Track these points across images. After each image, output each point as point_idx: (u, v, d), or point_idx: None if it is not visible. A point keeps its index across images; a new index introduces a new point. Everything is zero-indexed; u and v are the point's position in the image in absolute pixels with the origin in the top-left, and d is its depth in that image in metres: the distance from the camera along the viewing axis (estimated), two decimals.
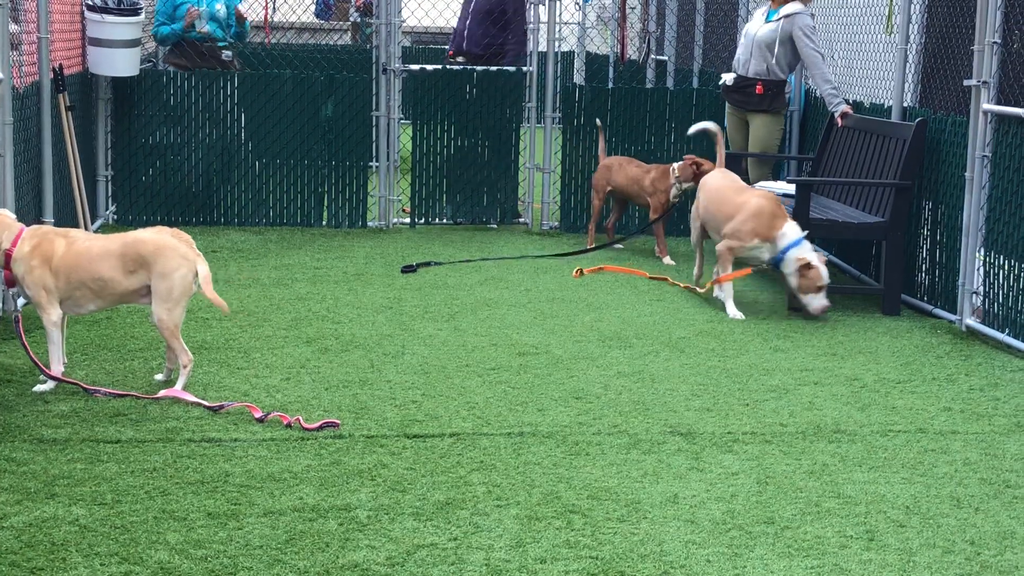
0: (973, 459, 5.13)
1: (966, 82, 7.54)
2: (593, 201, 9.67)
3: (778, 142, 9.49)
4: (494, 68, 10.57)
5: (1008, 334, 7.05)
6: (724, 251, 7.72)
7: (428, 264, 8.78)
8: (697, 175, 8.87)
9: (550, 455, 5.02)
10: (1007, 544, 4.26)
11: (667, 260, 9.16)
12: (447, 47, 11.78)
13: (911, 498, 4.67)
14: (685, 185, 9.05)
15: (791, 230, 7.53)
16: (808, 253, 7.46)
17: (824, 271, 7.45)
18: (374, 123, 10.33)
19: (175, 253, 5.62)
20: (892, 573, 4.01)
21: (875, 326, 7.43)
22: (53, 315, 5.60)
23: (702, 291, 8.00)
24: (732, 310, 7.59)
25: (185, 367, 5.68)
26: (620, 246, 9.62)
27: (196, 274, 5.65)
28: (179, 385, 5.64)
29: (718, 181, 8.11)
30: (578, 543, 4.16)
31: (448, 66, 10.76)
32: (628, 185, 9.39)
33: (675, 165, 9.17)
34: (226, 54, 10.53)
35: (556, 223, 10.54)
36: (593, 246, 9.48)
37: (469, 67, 10.66)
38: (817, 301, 7.42)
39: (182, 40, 10.32)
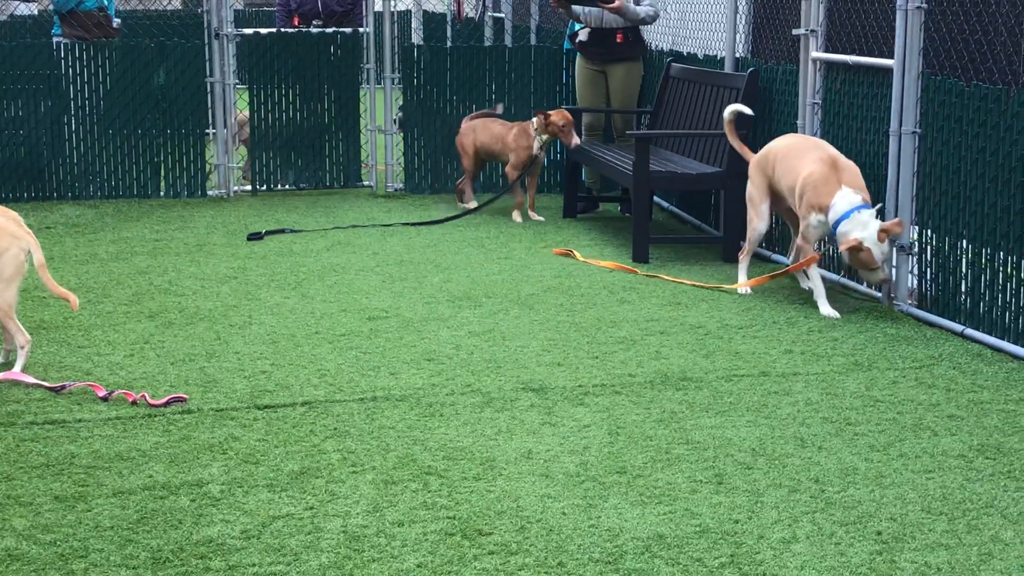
0: (815, 399, 5.28)
1: (795, 31, 7.71)
2: (464, 163, 9.63)
3: (638, 90, 9.53)
4: (330, 30, 10.44)
5: (843, 275, 7.27)
6: (800, 240, 6.83)
7: (282, 231, 8.66)
8: (549, 124, 9.00)
9: (404, 418, 5.02)
10: (850, 480, 4.41)
11: (535, 216, 9.21)
12: (276, 12, 11.60)
13: (757, 440, 4.79)
14: (544, 137, 9.09)
15: (842, 200, 6.48)
16: (858, 231, 6.41)
17: (877, 251, 6.41)
18: (209, 89, 10.13)
19: (4, 233, 5.44)
20: (741, 514, 4.11)
21: (716, 273, 7.59)
22: None
23: (748, 285, 7.13)
24: (825, 307, 6.63)
25: (23, 348, 5.51)
26: (474, 204, 9.56)
27: (28, 252, 5.48)
28: (17, 367, 5.48)
29: (782, 147, 6.99)
30: (435, 504, 4.18)
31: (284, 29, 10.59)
32: (492, 143, 9.39)
33: (533, 120, 9.19)
34: (116, 22, 10.29)
35: (400, 185, 10.50)
36: (474, 206, 9.46)
37: (305, 29, 10.51)
38: (874, 276, 6.55)
39: (75, 11, 10.09)
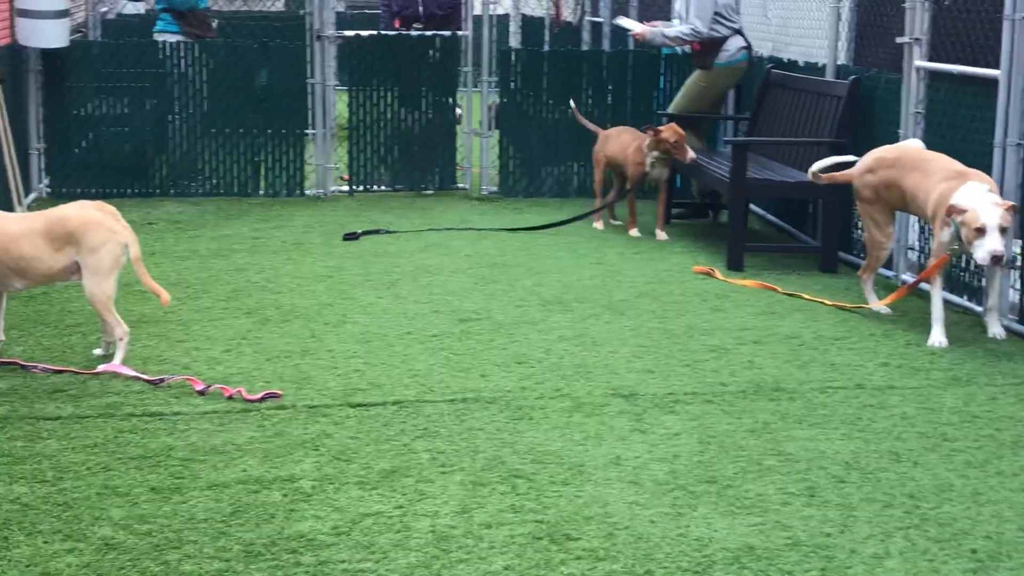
0: (911, 413, 5.20)
1: (898, 39, 7.60)
2: (595, 175, 9.35)
3: (704, 101, 9.41)
4: (430, 33, 10.51)
5: (943, 288, 7.14)
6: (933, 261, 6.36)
7: (378, 232, 8.73)
8: (659, 141, 8.60)
9: (493, 420, 5.03)
10: (945, 497, 4.34)
11: (633, 232, 8.85)
12: (380, 13, 11.69)
13: (851, 454, 4.73)
14: (654, 153, 8.67)
15: (968, 191, 6.10)
16: (961, 196, 6.04)
17: (983, 212, 5.91)
18: (309, 91, 10.25)
19: (102, 227, 5.57)
20: (833, 528, 4.06)
21: (813, 284, 7.50)
22: None
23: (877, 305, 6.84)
24: (937, 335, 6.24)
25: (121, 340, 5.63)
26: (619, 222, 9.21)
27: (125, 246, 5.60)
28: (117, 359, 5.59)
29: (909, 160, 6.66)
30: (523, 507, 4.18)
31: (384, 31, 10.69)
32: (617, 154, 9.01)
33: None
34: (215, 21, 10.52)
35: (495, 188, 10.53)
36: (580, 215, 9.14)
37: (405, 32, 10.60)
38: (981, 250, 5.93)
39: (195, 9, 10.34)
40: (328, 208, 9.80)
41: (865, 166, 6.89)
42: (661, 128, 8.69)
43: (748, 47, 9.22)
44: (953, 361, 5.96)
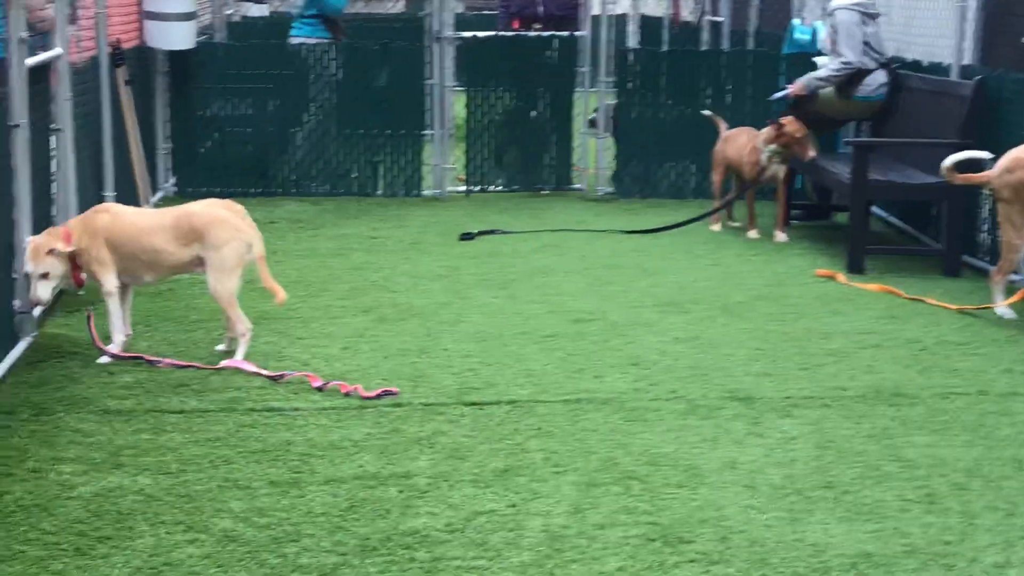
0: None
1: None
2: (713, 176, 9.26)
3: (830, 116, 9.15)
4: (547, 33, 10.53)
5: None
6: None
7: (493, 232, 8.77)
8: (781, 135, 8.45)
9: (607, 421, 5.03)
10: None
11: (752, 234, 8.74)
12: (498, 14, 11.75)
13: (972, 461, 4.63)
14: (770, 148, 8.53)
15: None
16: None
17: None
18: (427, 91, 10.34)
19: (227, 225, 5.70)
20: (953, 536, 3.99)
21: (936, 287, 7.36)
22: (108, 285, 5.72)
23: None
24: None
25: (243, 336, 5.75)
26: (737, 223, 9.11)
27: (249, 245, 5.72)
28: (238, 355, 5.71)
29: None
30: (636, 509, 4.18)
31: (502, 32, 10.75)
32: (734, 156, 8.89)
33: (763, 132, 8.71)
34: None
35: (611, 189, 10.51)
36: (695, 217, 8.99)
37: (523, 33, 10.63)
38: None
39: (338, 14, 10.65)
40: (444, 208, 9.88)
41: (1004, 166, 6.74)
42: (784, 121, 8.54)
43: (888, 84, 8.94)
44: None
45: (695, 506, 4.20)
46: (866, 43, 8.79)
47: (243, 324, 5.76)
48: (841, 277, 7.50)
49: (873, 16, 8.84)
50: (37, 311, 5.84)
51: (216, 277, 5.70)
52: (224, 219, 5.73)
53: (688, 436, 4.87)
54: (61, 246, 5.60)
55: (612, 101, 10.50)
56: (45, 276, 5.59)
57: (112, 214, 5.82)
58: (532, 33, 10.62)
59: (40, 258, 5.58)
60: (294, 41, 10.50)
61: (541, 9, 11.16)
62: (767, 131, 8.63)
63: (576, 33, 10.53)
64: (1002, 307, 6.68)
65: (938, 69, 8.82)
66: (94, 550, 3.83)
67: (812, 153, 8.42)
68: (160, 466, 4.50)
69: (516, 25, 11.23)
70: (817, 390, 5.44)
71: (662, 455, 4.67)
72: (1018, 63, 7.99)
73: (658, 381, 5.54)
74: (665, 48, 13.29)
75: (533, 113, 10.35)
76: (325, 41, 10.38)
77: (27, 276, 5.63)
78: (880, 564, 3.78)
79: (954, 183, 7.06)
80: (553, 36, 10.47)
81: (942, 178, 7.75)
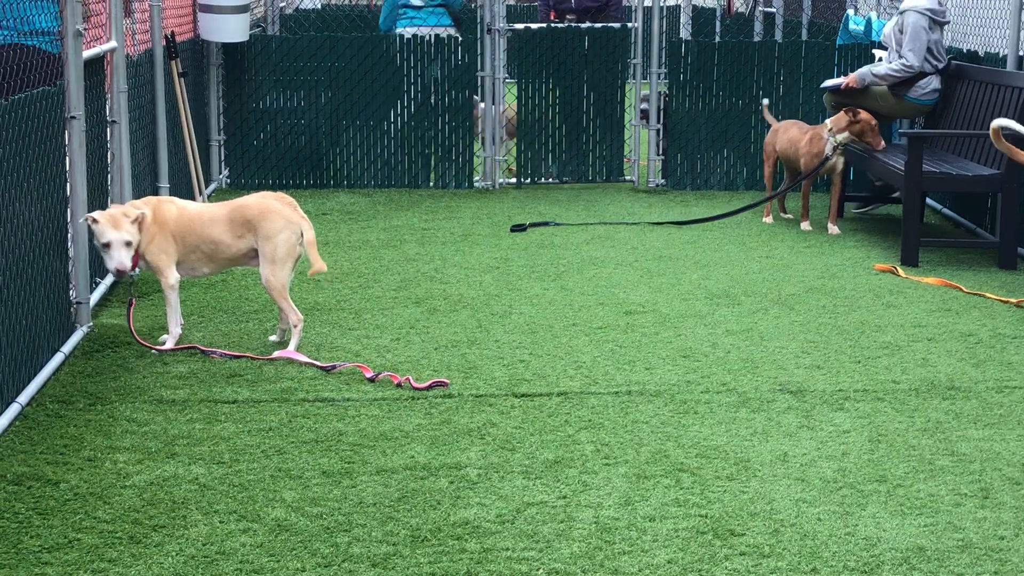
0: None
1: None
2: (764, 167, 9.28)
3: (879, 111, 9.03)
4: (599, 25, 10.51)
5: None
6: None
7: (546, 224, 8.77)
8: (855, 123, 8.39)
9: (658, 413, 5.02)
10: None
11: (805, 226, 8.69)
12: (538, 6, 11.73)
13: None
14: (840, 137, 8.47)
15: None
16: None
17: None
18: (479, 83, 10.36)
19: (279, 216, 5.76)
20: (1008, 531, 3.95)
21: (991, 280, 7.28)
22: (171, 278, 5.77)
23: None
24: None
25: (295, 327, 5.79)
26: (789, 215, 9.10)
27: (301, 236, 5.77)
28: (291, 345, 5.75)
29: None
30: (687, 501, 4.17)
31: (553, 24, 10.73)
32: (788, 148, 8.85)
33: (827, 120, 8.68)
34: None
35: (662, 180, 10.48)
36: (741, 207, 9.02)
37: (574, 24, 10.62)
38: None
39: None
40: (495, 200, 9.89)
41: None
42: (859, 111, 8.47)
43: (940, 90, 8.84)
44: None
45: (746, 499, 4.19)
46: (929, 49, 8.71)
47: (295, 315, 5.81)
48: (900, 271, 7.44)
49: (942, 24, 8.76)
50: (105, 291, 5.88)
51: (268, 268, 5.75)
52: (276, 210, 5.78)
53: (739, 429, 4.86)
54: (147, 213, 5.65)
55: (661, 90, 10.46)
56: (128, 244, 5.58)
57: (177, 206, 5.87)
58: (583, 25, 10.59)
59: (124, 225, 5.56)
60: (406, 32, 10.50)
61: (574, 2, 11.13)
62: (838, 119, 8.53)
63: (628, 24, 10.51)
64: None
65: (994, 60, 8.72)
66: (148, 538, 3.87)
67: (883, 143, 8.36)
68: (214, 455, 4.54)
69: (553, 16, 11.22)
70: (870, 383, 5.40)
71: (713, 448, 4.66)
72: None
73: (709, 373, 5.53)
74: (717, 39, 13.22)
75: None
76: (444, 31, 10.38)
77: (107, 246, 5.55)
78: (933, 559, 3.75)
79: (998, 146, 6.91)
80: (605, 27, 10.44)
81: (997, 170, 7.66)
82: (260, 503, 4.13)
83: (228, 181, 10.17)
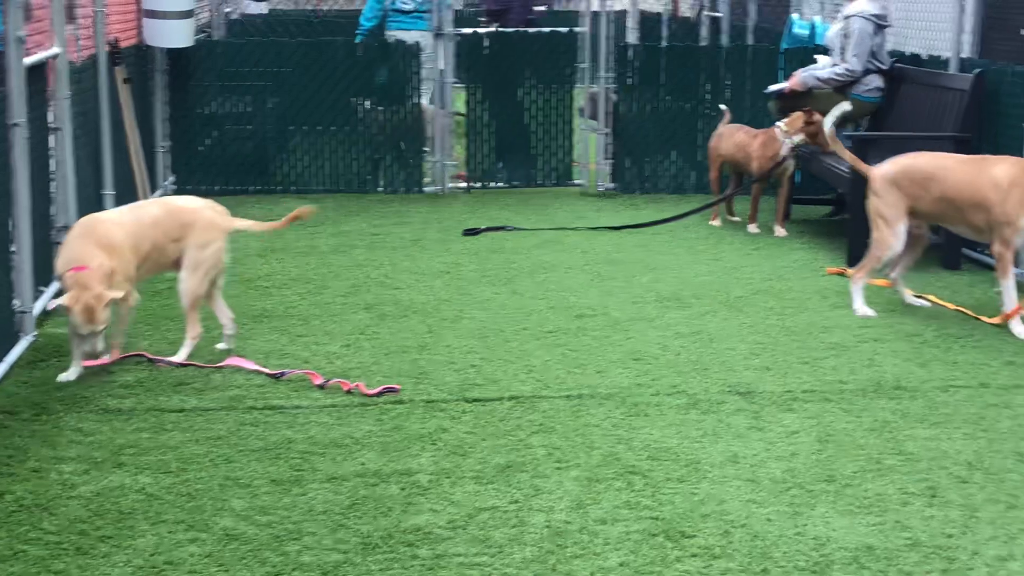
0: None
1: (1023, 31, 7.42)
2: (710, 171, 9.31)
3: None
4: (547, 29, 10.53)
5: None
6: (1000, 250, 6.29)
7: (502, 229, 8.76)
8: (808, 124, 8.42)
9: (609, 416, 5.03)
10: None
11: (752, 228, 8.75)
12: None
13: (973, 454, 4.63)
14: (796, 139, 8.53)
15: None
16: None
17: None
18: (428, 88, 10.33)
19: (214, 227, 5.72)
20: (955, 529, 3.99)
21: (935, 281, 7.36)
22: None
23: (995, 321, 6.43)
24: (861, 307, 6.61)
25: (194, 340, 5.73)
26: (737, 218, 9.15)
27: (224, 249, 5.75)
28: (182, 355, 5.66)
29: (939, 167, 6.55)
30: (639, 504, 4.18)
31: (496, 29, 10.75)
32: (736, 152, 8.89)
33: (780, 122, 8.72)
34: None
35: (612, 184, 10.50)
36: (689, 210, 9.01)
37: (523, 30, 10.62)
38: None
39: None
40: (445, 205, 9.87)
41: (897, 170, 6.64)
42: (815, 112, 8.52)
43: (884, 89, 8.93)
44: None
45: (697, 500, 4.20)
46: (872, 52, 8.81)
47: (199, 328, 5.74)
48: (851, 272, 7.48)
49: (885, 28, 8.86)
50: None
51: (194, 276, 5.68)
52: (213, 219, 5.73)
53: (690, 430, 4.87)
54: (112, 293, 5.27)
55: (595, 89, 10.46)
56: (102, 330, 5.29)
57: (115, 222, 5.56)
58: (532, 29, 10.61)
59: (101, 316, 5.22)
60: (395, 36, 10.48)
61: (486, 6, 11.20)
62: (793, 121, 8.58)
63: (576, 29, 10.53)
64: (862, 307, 6.60)
65: (937, 62, 8.81)
66: (95, 549, 3.83)
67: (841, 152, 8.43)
68: (161, 465, 4.49)
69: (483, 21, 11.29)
70: (818, 384, 5.44)
71: (664, 450, 4.67)
72: (1017, 56, 7.98)
73: (659, 376, 5.54)
74: (664, 43, 13.28)
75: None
76: (430, 36, 10.33)
77: (84, 336, 5.23)
78: (882, 557, 3.78)
79: (834, 147, 6.99)
80: (553, 32, 10.46)
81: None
82: (208, 512, 4.09)
83: (175, 187, 10.08)
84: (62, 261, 5.39)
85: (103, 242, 5.38)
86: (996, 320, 6.36)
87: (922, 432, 4.86)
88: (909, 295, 6.79)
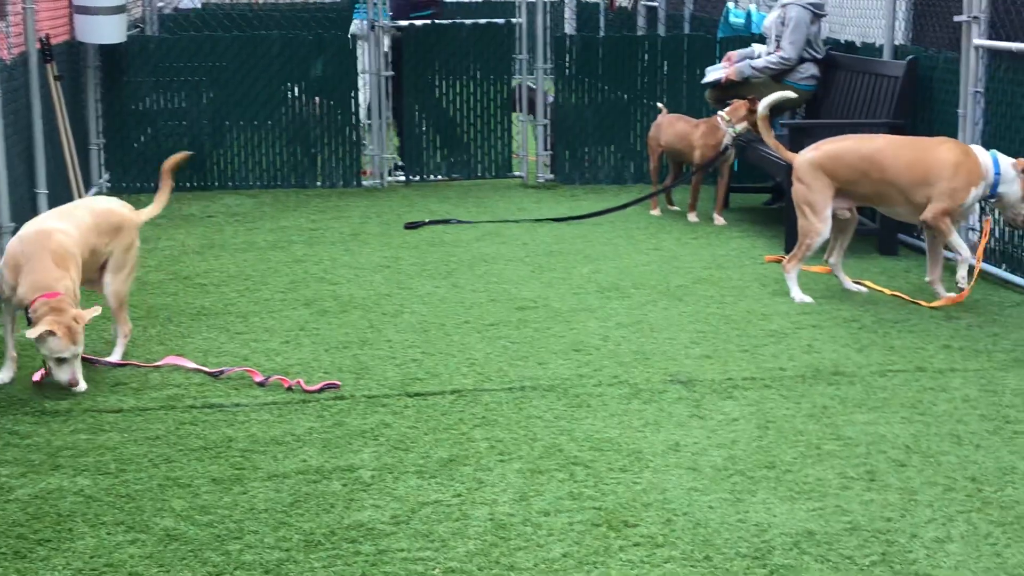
0: (972, 396, 5.14)
1: (956, 18, 7.50)
2: (649, 161, 9.37)
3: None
4: (483, 21, 10.51)
5: (1005, 269, 7.05)
6: (942, 223, 6.43)
7: (447, 222, 8.74)
8: (751, 113, 8.41)
9: (551, 408, 5.04)
10: (1008, 479, 4.28)
11: (692, 217, 8.79)
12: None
13: (911, 437, 4.69)
14: (739, 127, 8.59)
15: (983, 155, 6.46)
16: (1004, 160, 6.44)
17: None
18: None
19: (135, 225, 5.74)
20: (894, 512, 4.03)
21: (872, 267, 7.43)
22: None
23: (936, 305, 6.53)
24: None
25: (126, 337, 5.70)
26: (676, 208, 9.18)
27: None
28: (116, 355, 5.60)
29: (871, 150, 6.65)
30: (581, 494, 4.18)
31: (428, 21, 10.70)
32: (676, 142, 8.93)
33: (723, 111, 8.77)
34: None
35: (551, 176, 10.51)
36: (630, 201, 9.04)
37: (458, 21, 10.60)
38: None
39: None
40: (384, 198, 9.83)
41: (823, 154, 6.73)
42: (757, 101, 8.55)
43: (819, 78, 9.00)
44: (1016, 342, 5.88)
45: (639, 490, 4.22)
46: (808, 40, 8.89)
47: (129, 325, 5.72)
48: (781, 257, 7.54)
49: (821, 17, 8.93)
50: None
51: (123, 277, 5.68)
52: (132, 218, 5.72)
53: (631, 420, 4.89)
54: (89, 312, 5.23)
55: (522, 81, 10.47)
56: (82, 350, 5.21)
57: (64, 232, 5.36)
58: (468, 21, 10.58)
59: (80, 337, 5.13)
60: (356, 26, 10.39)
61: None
62: (735, 109, 8.64)
63: (513, 20, 10.52)
64: (799, 294, 6.65)
65: (871, 49, 8.90)
66: (33, 552, 3.78)
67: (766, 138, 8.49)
68: (99, 466, 4.44)
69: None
70: (757, 371, 5.48)
71: (606, 440, 4.68)
72: (950, 43, 8.07)
73: (601, 366, 5.56)
74: (601, 34, 13.31)
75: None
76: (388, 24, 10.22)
77: (61, 361, 5.10)
78: (822, 542, 3.82)
79: (765, 138, 7.07)
80: (489, 23, 10.44)
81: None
82: (148, 513, 4.05)
83: (109, 185, 9.97)
84: (29, 286, 5.17)
85: (58, 255, 5.24)
86: (941, 303, 6.46)
87: (860, 417, 4.91)
88: (848, 281, 6.85)
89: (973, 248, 6.75)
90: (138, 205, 5.99)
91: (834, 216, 6.69)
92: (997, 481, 4.27)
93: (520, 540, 3.85)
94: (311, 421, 4.90)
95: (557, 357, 5.69)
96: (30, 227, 5.42)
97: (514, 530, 3.92)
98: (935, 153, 6.47)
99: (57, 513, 4.05)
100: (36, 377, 5.35)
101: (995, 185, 6.37)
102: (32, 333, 5.05)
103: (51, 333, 5.05)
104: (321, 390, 5.23)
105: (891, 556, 3.72)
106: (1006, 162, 6.40)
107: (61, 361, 5.12)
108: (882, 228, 7.91)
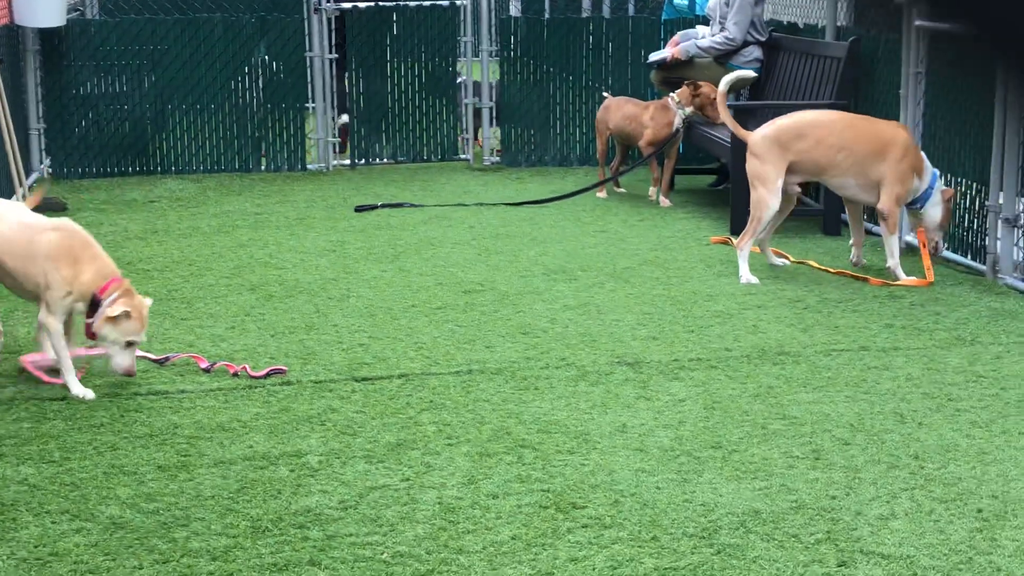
0: (915, 374, 5.20)
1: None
2: (597, 143, 9.39)
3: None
4: (427, 3, 10.47)
5: (947, 249, 7.13)
6: (895, 214, 6.63)
7: (401, 206, 8.70)
8: (698, 95, 8.56)
9: (499, 391, 5.04)
10: (950, 456, 4.34)
11: (665, 202, 8.77)
12: None
13: (855, 416, 4.73)
14: (689, 111, 8.66)
15: (927, 160, 6.74)
16: (939, 182, 6.77)
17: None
18: (308, 64, 10.22)
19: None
20: (839, 490, 4.07)
21: (816, 247, 7.49)
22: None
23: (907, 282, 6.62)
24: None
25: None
26: (623, 190, 9.25)
27: None
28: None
29: (825, 123, 6.80)
30: (529, 477, 4.19)
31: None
32: (626, 124, 8.96)
33: (673, 94, 8.81)
34: None
35: (497, 158, 10.50)
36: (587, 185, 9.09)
37: (401, 3, 10.55)
38: (939, 236, 6.81)
39: None
40: (330, 182, 9.79)
41: (777, 129, 6.86)
42: (702, 83, 8.61)
43: (762, 60, 9.07)
44: (958, 321, 5.95)
45: (587, 471, 4.23)
46: (752, 22, 8.95)
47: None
48: (734, 242, 7.58)
49: None
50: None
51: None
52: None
53: (579, 402, 4.90)
54: (149, 300, 5.20)
55: (463, 77, 10.45)
56: None
57: (53, 226, 5.21)
58: (412, 3, 10.53)
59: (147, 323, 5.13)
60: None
61: None
62: (683, 92, 8.68)
63: (458, 2, 10.49)
64: (748, 275, 6.68)
65: (813, 31, 8.95)
66: None
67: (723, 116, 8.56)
68: (43, 454, 4.40)
69: None
70: (703, 352, 5.51)
71: (554, 422, 4.69)
72: (891, 24, 8.14)
73: (548, 349, 5.56)
74: (547, 16, 13.30)
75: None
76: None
77: (129, 345, 5.06)
78: (768, 521, 3.85)
79: (722, 116, 7.09)
80: (434, 5, 10.40)
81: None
82: (93, 501, 4.01)
83: (50, 170, 9.84)
84: (95, 273, 5.07)
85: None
86: (908, 281, 6.58)
87: (805, 396, 4.96)
88: (772, 255, 6.95)
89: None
90: (78, 191, 5.92)
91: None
92: (940, 458, 4.32)
93: (468, 523, 3.85)
94: (257, 407, 4.87)
95: (504, 340, 5.70)
96: (53, 220, 5.33)
97: (462, 513, 3.92)
98: (891, 129, 6.71)
99: (0, 503, 4.00)
100: (27, 363, 5.22)
101: (926, 198, 6.64)
102: (113, 311, 4.99)
103: (128, 315, 5.02)
104: (267, 376, 5.20)
105: (836, 534, 3.76)
106: (939, 184, 6.70)
107: (129, 345, 5.07)
108: (826, 208, 7.98)
